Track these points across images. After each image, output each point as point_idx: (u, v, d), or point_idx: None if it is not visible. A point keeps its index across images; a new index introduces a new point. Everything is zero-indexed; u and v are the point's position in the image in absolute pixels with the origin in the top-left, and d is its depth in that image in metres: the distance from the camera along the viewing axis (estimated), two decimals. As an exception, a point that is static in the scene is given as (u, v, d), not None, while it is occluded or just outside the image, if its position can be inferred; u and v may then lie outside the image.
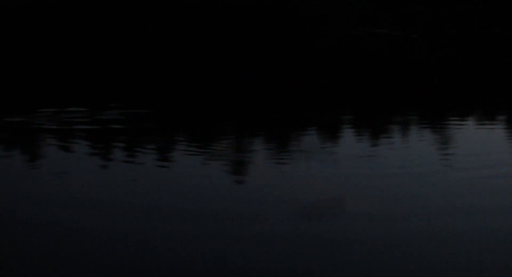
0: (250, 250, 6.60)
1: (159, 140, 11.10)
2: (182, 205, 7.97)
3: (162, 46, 26.23)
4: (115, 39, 27.96)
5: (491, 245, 6.80)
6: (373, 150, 10.84)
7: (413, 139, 11.74)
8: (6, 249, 6.54)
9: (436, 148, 11.09)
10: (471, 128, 12.73)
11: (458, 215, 7.71)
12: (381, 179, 9.16)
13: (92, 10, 37.71)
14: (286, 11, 40.60)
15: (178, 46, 26.36)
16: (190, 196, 8.32)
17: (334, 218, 7.60)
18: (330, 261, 6.36)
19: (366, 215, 7.71)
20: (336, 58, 24.40)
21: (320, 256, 6.48)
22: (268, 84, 17.53)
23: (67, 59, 21.33)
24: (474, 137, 11.96)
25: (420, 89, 17.41)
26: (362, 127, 12.76)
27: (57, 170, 9.33)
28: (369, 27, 34.68)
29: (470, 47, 27.79)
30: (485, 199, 8.33)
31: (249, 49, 26.00)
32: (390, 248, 6.70)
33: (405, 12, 41.91)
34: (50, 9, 37.35)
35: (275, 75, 19.35)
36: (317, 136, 11.92)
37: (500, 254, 6.58)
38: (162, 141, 11.07)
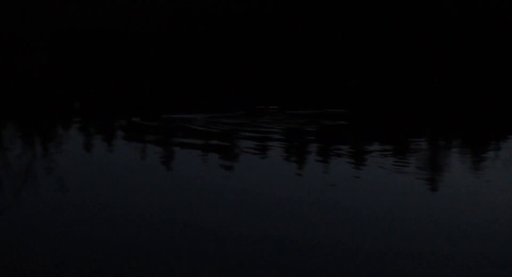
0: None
1: (355, 144, 11.01)
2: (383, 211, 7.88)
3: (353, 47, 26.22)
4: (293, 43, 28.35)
5: None
6: None
7: None
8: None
9: None
10: None
11: None
12: None
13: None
14: (493, 14, 39.38)
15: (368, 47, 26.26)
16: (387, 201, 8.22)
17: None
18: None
19: None
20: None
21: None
22: (468, 89, 17.04)
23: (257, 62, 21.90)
24: None
25: None
26: None
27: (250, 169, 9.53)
28: None
29: None
30: None
31: (449, 52, 25.41)
32: None
33: None
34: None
35: (473, 79, 18.79)
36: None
37: None
38: (358, 144, 10.99)
